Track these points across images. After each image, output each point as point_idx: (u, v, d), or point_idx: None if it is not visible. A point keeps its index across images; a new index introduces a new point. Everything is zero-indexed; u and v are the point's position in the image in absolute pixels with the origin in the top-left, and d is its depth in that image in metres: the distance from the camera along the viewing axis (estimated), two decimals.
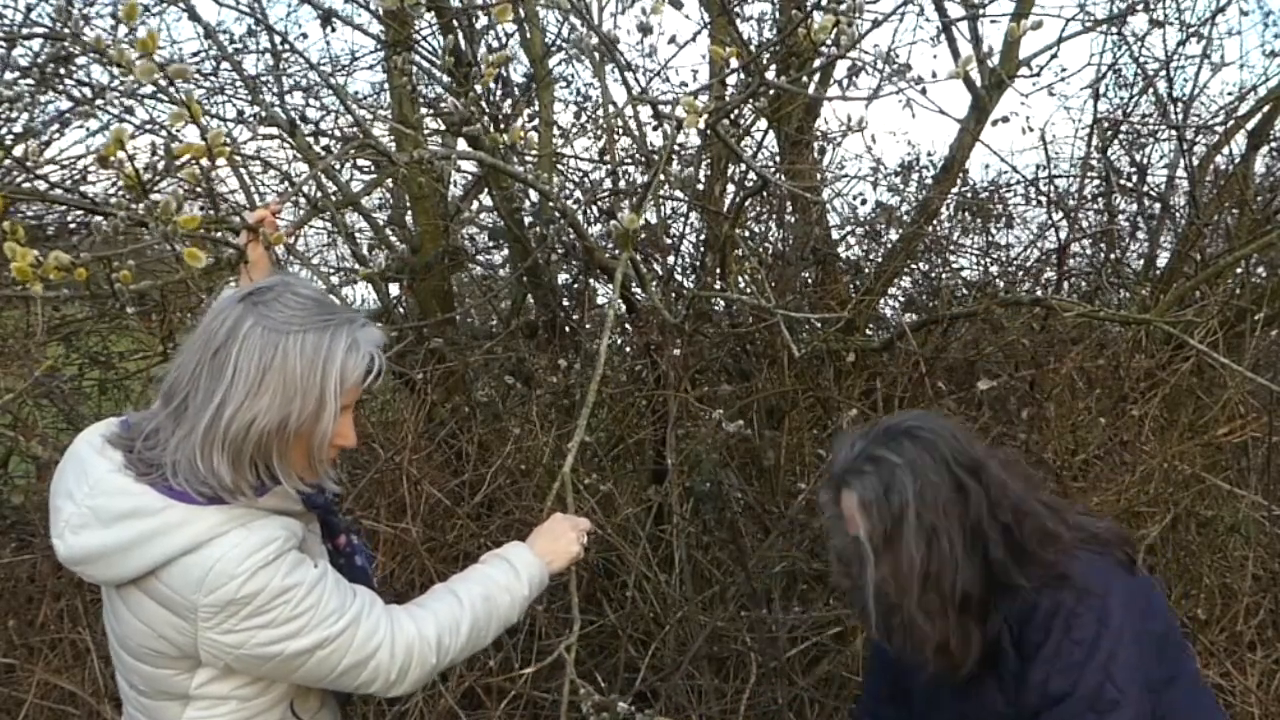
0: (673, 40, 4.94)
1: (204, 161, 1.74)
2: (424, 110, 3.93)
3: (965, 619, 1.65)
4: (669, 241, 3.94)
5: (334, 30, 4.51)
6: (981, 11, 3.85)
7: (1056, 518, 1.72)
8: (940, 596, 1.63)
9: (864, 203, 4.89)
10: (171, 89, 1.69)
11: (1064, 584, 1.64)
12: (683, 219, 4.03)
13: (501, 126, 3.05)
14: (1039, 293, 4.32)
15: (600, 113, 3.85)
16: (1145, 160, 4.66)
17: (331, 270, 4.86)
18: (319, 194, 3.44)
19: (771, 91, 3.56)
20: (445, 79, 3.42)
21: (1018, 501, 1.69)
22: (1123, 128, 4.59)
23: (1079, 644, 1.60)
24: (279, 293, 1.43)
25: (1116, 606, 1.63)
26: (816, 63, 3.33)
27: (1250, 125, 4.29)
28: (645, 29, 2.99)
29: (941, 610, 1.64)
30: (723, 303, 3.99)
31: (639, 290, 3.45)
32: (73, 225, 3.83)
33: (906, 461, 1.65)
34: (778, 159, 4.26)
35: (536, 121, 3.85)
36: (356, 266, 4.43)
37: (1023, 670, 1.65)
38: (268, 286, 1.45)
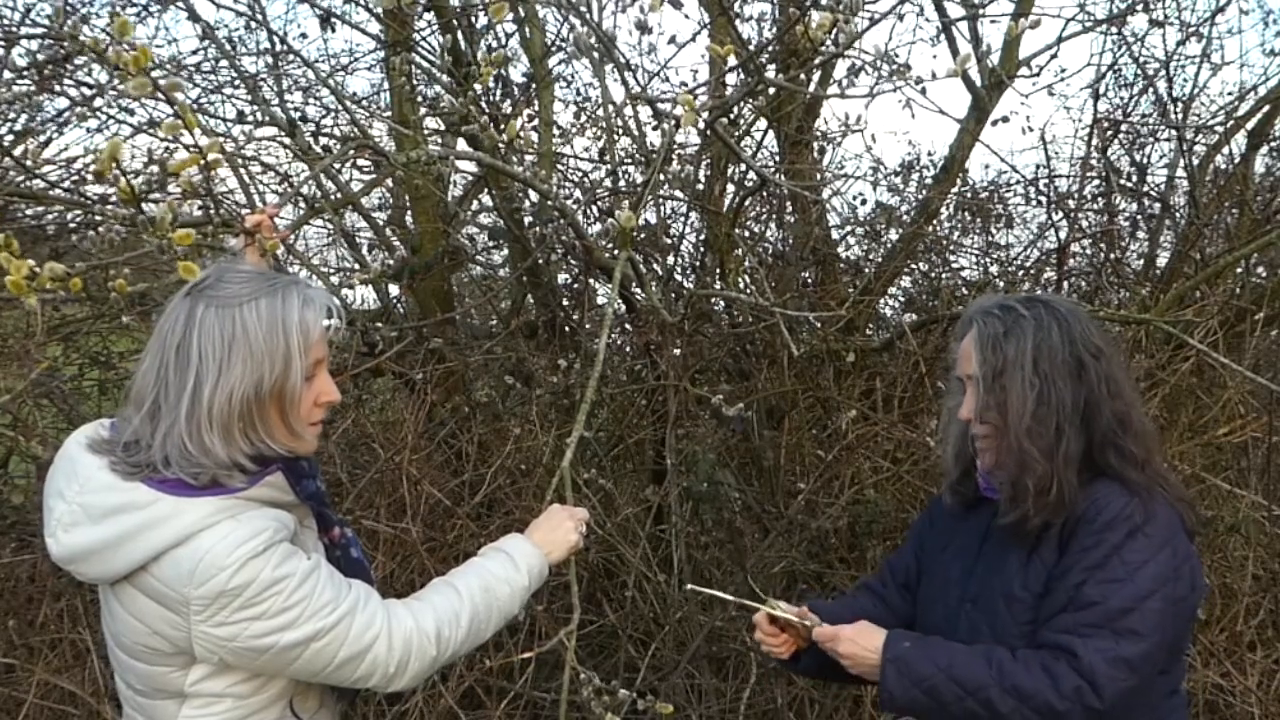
0: (672, 40, 4.93)
1: (201, 166, 1.74)
2: (423, 110, 3.93)
3: (1069, 473, 1.69)
4: (669, 241, 3.94)
5: (333, 30, 4.50)
6: (981, 11, 3.85)
7: (1155, 437, 1.81)
8: (1047, 437, 1.69)
9: (864, 203, 4.89)
10: (171, 101, 1.69)
11: (1139, 501, 1.67)
12: (682, 219, 4.03)
13: (500, 126, 3.05)
14: (1039, 293, 4.31)
15: (600, 112, 3.85)
16: (1145, 160, 4.66)
17: (331, 270, 4.86)
18: (318, 194, 3.44)
19: (771, 90, 3.56)
20: (445, 79, 3.42)
21: (1131, 399, 1.76)
22: (1123, 128, 4.59)
23: (1125, 564, 1.64)
24: (220, 275, 1.48)
25: (1169, 558, 1.66)
26: (816, 61, 3.33)
27: (1250, 125, 4.28)
28: (643, 27, 2.99)
29: (1049, 451, 1.68)
30: (722, 302, 3.99)
31: (639, 290, 3.45)
32: (72, 226, 3.83)
33: (1033, 318, 1.73)
34: (777, 159, 4.26)
35: (536, 121, 3.85)
36: (356, 267, 4.43)
37: (1057, 565, 1.69)
38: (206, 275, 1.49)
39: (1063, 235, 4.34)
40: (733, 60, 2.66)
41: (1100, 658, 1.59)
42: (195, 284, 1.48)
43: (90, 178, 3.89)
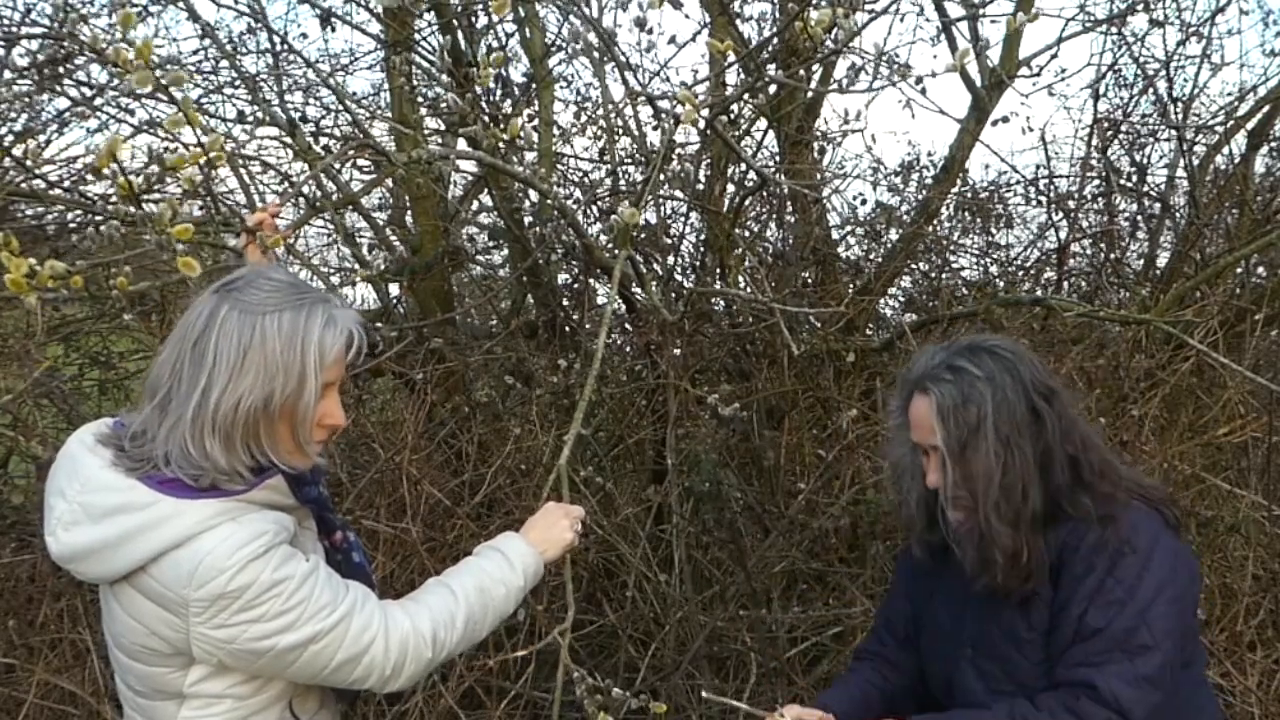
0: (672, 40, 4.93)
1: (202, 163, 1.74)
2: (424, 110, 3.93)
3: (1035, 534, 1.67)
4: (669, 241, 3.94)
5: (333, 30, 4.50)
6: (981, 11, 3.85)
7: (1116, 459, 1.79)
8: (1014, 507, 1.66)
9: (864, 203, 4.90)
10: (173, 97, 1.69)
11: (1114, 524, 1.66)
12: (682, 219, 4.03)
13: (501, 126, 3.05)
14: (1039, 293, 4.32)
15: (600, 112, 3.85)
16: (1145, 160, 4.66)
17: (331, 270, 4.86)
18: (318, 194, 3.44)
19: (771, 89, 3.56)
20: (445, 79, 3.42)
21: (1085, 434, 1.73)
22: (1123, 128, 4.59)
23: (1120, 583, 1.62)
24: (251, 279, 1.46)
25: (1161, 561, 1.65)
26: (816, 59, 3.33)
27: (1250, 125, 4.29)
28: (641, 23, 2.99)
29: (1015, 521, 1.66)
30: (722, 302, 3.99)
31: (639, 290, 3.45)
32: (72, 225, 3.83)
33: (986, 375, 1.69)
34: (778, 159, 4.26)
35: (536, 121, 3.85)
36: (356, 267, 4.43)
37: (1055, 599, 1.67)
38: (240, 275, 1.48)
39: (1063, 235, 4.34)
40: (731, 56, 2.66)
41: (1120, 682, 1.58)
42: (226, 282, 1.46)
43: (90, 177, 3.89)
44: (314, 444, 1.51)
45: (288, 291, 1.45)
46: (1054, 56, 4.05)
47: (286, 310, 1.43)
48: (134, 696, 1.55)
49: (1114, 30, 4.30)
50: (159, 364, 1.46)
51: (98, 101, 3.60)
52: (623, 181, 3.80)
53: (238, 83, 3.90)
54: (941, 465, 1.70)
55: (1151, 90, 4.48)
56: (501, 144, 2.38)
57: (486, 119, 2.32)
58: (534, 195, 3.72)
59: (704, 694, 2.07)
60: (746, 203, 3.97)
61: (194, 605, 1.38)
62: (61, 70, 3.43)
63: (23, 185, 3.39)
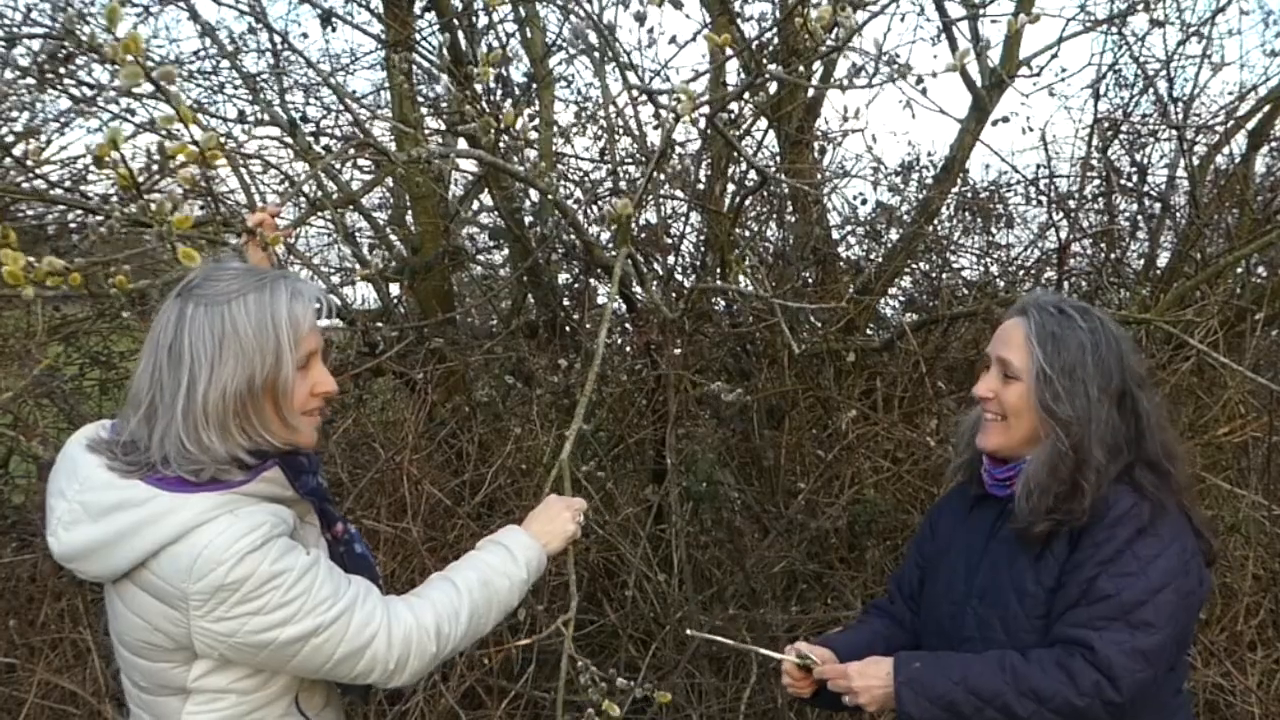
0: (673, 40, 4.95)
1: (199, 163, 1.74)
2: (424, 110, 3.93)
3: (1101, 478, 1.71)
4: (669, 241, 3.94)
5: (334, 30, 4.51)
6: (981, 11, 3.85)
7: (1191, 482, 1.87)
8: (1102, 450, 1.71)
9: (864, 203, 4.89)
10: (163, 91, 1.68)
11: (1159, 511, 1.69)
12: (683, 218, 4.03)
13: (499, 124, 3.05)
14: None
15: (601, 112, 3.85)
16: (1145, 160, 4.66)
17: (331, 270, 4.86)
18: (318, 193, 3.44)
19: (772, 86, 3.56)
20: (445, 78, 3.42)
21: (1170, 436, 1.82)
22: (1123, 128, 4.59)
23: (1137, 558, 1.65)
24: (208, 274, 1.48)
25: (1178, 554, 1.67)
26: (817, 55, 3.33)
27: (1250, 125, 4.28)
28: (640, 18, 3.00)
29: (1108, 454, 1.71)
30: (723, 302, 3.99)
31: (639, 289, 3.45)
32: (73, 225, 3.84)
33: (1089, 330, 1.74)
34: (778, 158, 4.26)
35: (536, 121, 3.85)
36: (356, 267, 4.43)
37: (1069, 560, 1.70)
38: (196, 274, 1.50)
39: (1063, 235, 4.34)
40: (729, 50, 2.65)
41: (1116, 650, 1.60)
42: (185, 284, 1.48)
43: (90, 177, 3.89)
44: (305, 418, 1.52)
45: (247, 276, 1.47)
46: (1054, 56, 4.05)
47: (250, 293, 1.45)
48: (139, 693, 1.55)
49: (1114, 30, 4.30)
50: (138, 376, 1.47)
51: (99, 101, 3.60)
52: (623, 181, 3.80)
53: (238, 83, 3.90)
54: (1037, 378, 1.73)
55: (1151, 90, 4.47)
56: (499, 136, 2.38)
57: (485, 114, 2.31)
58: (534, 195, 3.72)
59: (688, 631, 2.08)
60: (747, 202, 3.97)
61: (193, 599, 1.39)
62: (62, 70, 3.43)
63: (23, 185, 3.39)
